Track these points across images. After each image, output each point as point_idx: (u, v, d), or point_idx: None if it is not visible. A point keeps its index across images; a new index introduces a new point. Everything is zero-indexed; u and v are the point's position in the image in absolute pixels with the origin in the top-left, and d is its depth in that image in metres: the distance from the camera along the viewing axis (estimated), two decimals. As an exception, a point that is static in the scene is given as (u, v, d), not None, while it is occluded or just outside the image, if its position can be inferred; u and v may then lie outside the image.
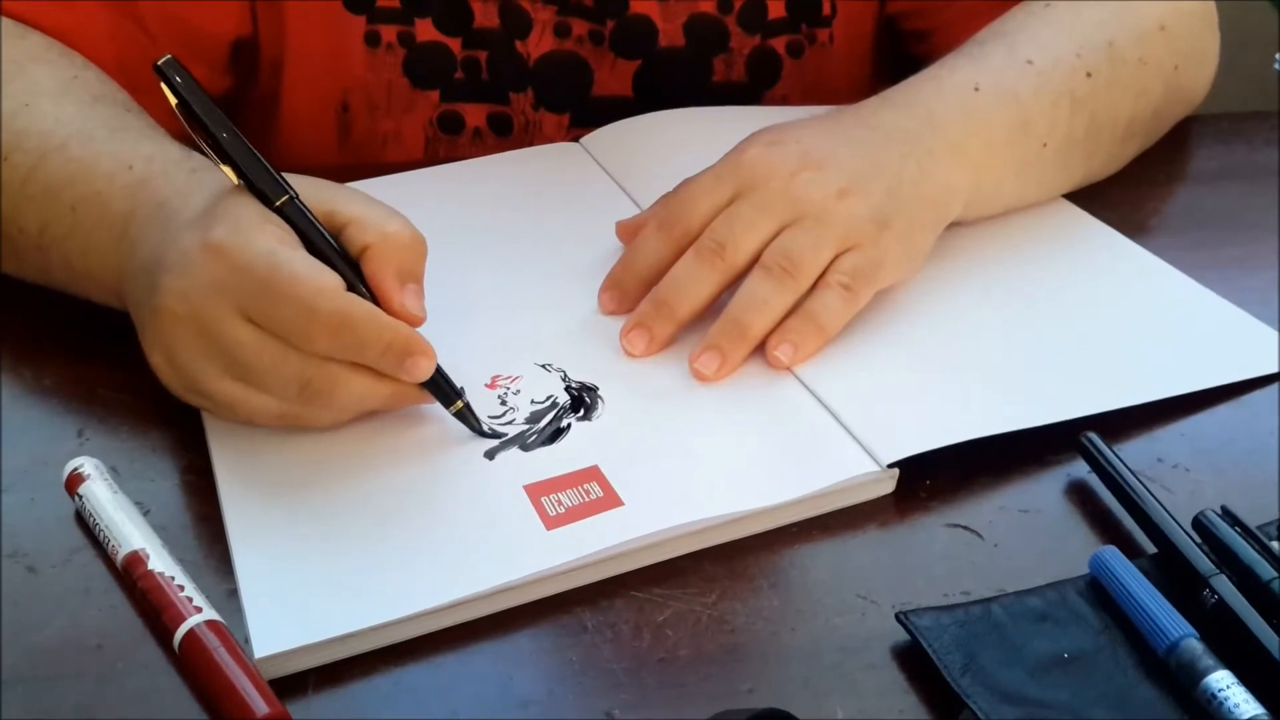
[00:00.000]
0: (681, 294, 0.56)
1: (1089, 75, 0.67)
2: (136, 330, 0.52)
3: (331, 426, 0.51)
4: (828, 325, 0.56)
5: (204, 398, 0.50)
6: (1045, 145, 0.65)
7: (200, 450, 0.52)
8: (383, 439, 0.51)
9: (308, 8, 0.75)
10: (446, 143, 0.79)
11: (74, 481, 0.48)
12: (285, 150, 0.79)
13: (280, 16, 0.75)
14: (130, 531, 0.45)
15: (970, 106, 0.63)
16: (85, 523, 0.48)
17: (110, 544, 0.46)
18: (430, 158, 0.79)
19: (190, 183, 0.53)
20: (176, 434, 0.53)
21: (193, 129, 0.50)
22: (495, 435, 0.51)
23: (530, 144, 0.79)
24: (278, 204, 0.50)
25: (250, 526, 0.47)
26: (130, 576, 0.44)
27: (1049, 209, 0.68)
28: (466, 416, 0.51)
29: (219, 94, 0.78)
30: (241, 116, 0.81)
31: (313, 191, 0.51)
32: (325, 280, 0.48)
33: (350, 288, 0.49)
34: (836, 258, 0.56)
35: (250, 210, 0.49)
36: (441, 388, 0.51)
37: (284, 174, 0.51)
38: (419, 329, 0.50)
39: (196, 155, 0.56)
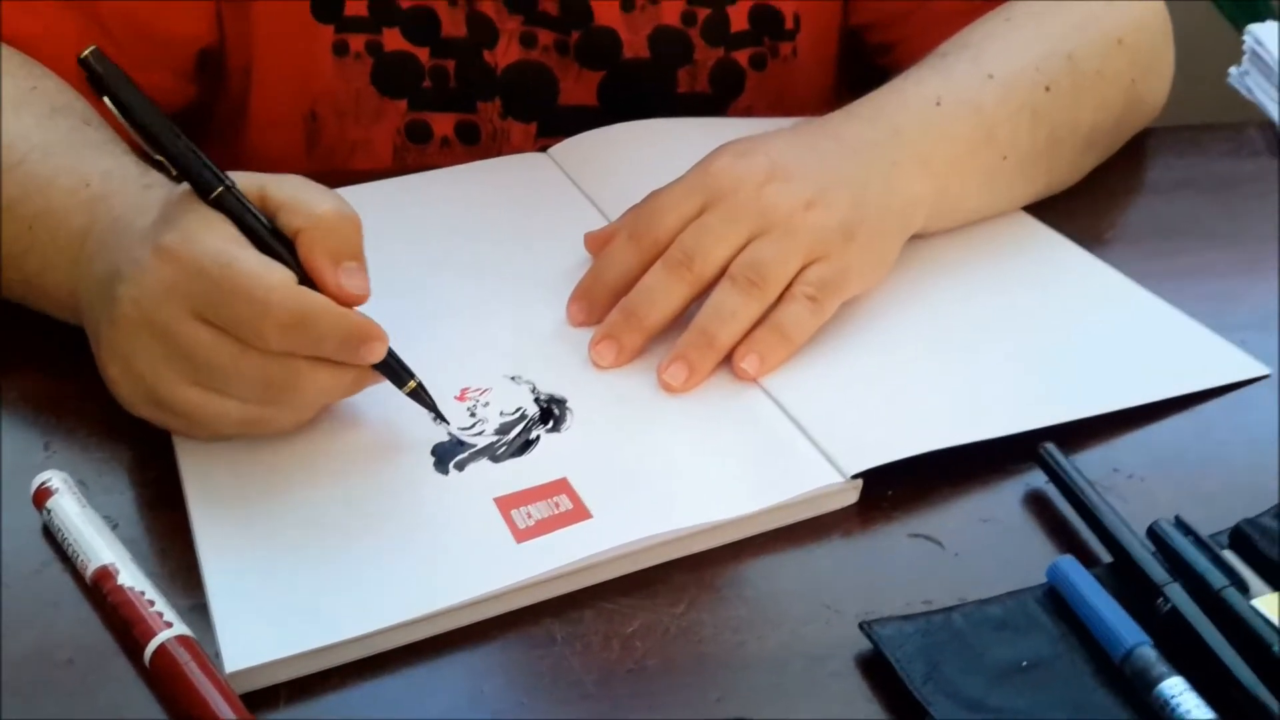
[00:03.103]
0: (650, 305, 0.57)
1: (1049, 89, 0.68)
2: (91, 346, 0.52)
3: (293, 428, 0.51)
4: (794, 336, 0.56)
5: (163, 409, 0.50)
6: (1006, 157, 0.67)
7: (168, 463, 0.52)
8: (353, 451, 0.52)
9: (275, 17, 0.75)
10: (415, 151, 0.79)
11: (42, 495, 0.48)
12: (253, 158, 0.79)
13: (248, 25, 0.75)
14: (99, 546, 0.46)
15: (933, 119, 0.64)
16: (53, 536, 0.48)
17: (79, 558, 0.46)
18: (399, 166, 0.79)
19: (145, 198, 0.53)
20: (144, 447, 0.53)
21: (127, 123, 0.49)
22: (448, 420, 0.52)
23: (498, 152, 0.79)
24: (215, 194, 0.49)
25: (220, 540, 0.47)
26: (100, 591, 0.45)
27: (1009, 222, 0.69)
28: (420, 396, 0.51)
29: (185, 103, 0.78)
30: (210, 125, 0.81)
31: (245, 180, 0.51)
32: (277, 276, 0.48)
33: (300, 279, 0.49)
34: (803, 269, 0.57)
35: (199, 213, 0.49)
36: (394, 369, 0.51)
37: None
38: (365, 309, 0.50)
39: (153, 171, 0.56)
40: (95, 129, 0.61)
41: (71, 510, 0.47)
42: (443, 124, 0.79)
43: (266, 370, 0.48)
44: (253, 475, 0.50)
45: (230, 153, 0.80)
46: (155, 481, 0.51)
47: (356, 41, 0.76)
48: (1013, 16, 0.72)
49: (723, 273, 0.57)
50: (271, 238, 0.49)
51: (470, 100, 0.78)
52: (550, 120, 0.80)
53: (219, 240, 0.48)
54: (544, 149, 0.79)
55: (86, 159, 0.57)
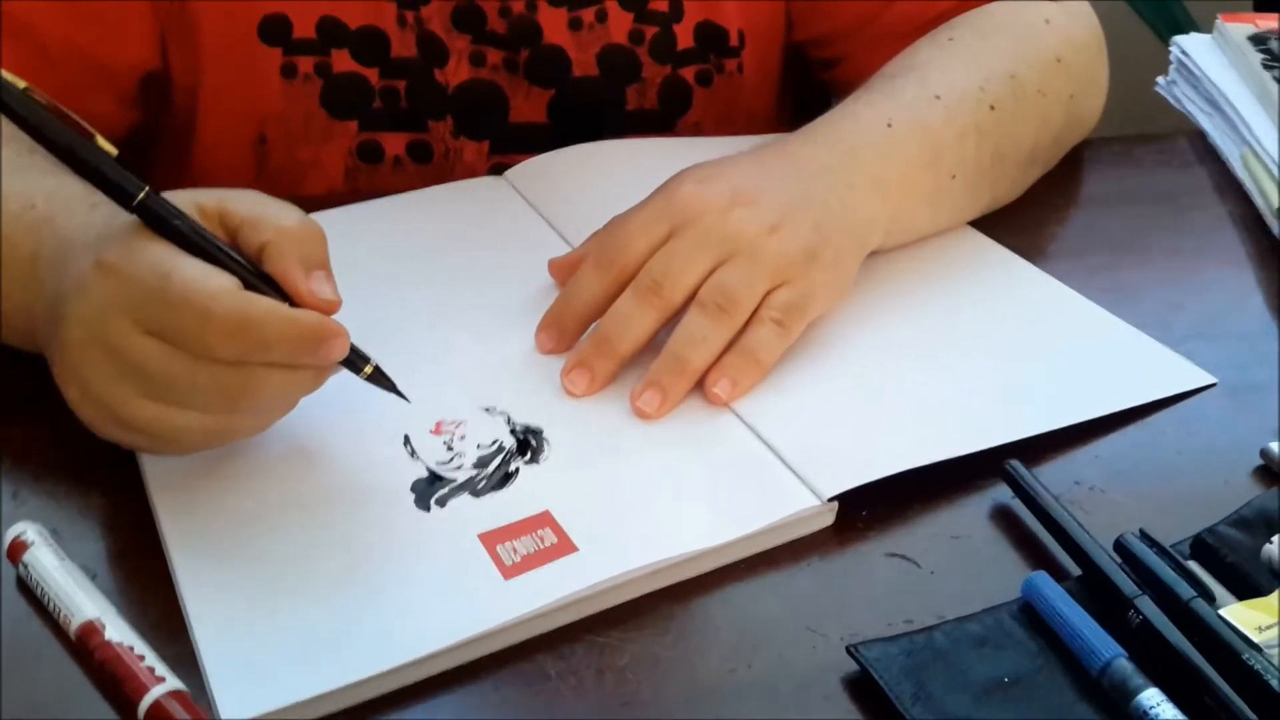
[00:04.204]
0: (622, 332, 0.57)
1: (993, 108, 0.70)
2: (51, 370, 0.51)
3: (257, 433, 0.50)
4: (764, 359, 0.57)
5: (125, 428, 0.49)
6: (954, 176, 0.68)
7: (142, 509, 0.51)
8: (332, 491, 0.51)
9: (222, 40, 0.74)
10: (366, 172, 0.79)
11: (16, 549, 0.47)
12: (202, 182, 0.77)
13: (194, 50, 0.74)
14: (82, 600, 0.45)
15: (885, 141, 0.66)
16: (28, 589, 0.47)
17: (61, 613, 0.45)
18: (350, 187, 0.79)
19: (90, 217, 0.52)
20: (116, 491, 0.52)
21: (36, 140, 0.48)
22: (408, 399, 0.53)
23: (451, 171, 0.79)
24: (137, 201, 0.47)
25: (204, 590, 0.47)
26: (86, 646, 0.44)
27: (964, 240, 0.70)
28: (380, 379, 0.52)
29: (129, 127, 0.77)
30: (156, 148, 0.80)
31: (203, 196, 0.50)
32: (217, 283, 0.47)
33: (247, 285, 0.48)
34: (769, 292, 0.58)
35: (139, 227, 0.48)
36: (353, 360, 0.51)
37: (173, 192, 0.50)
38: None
39: (98, 190, 0.55)
40: (42, 155, 0.60)
41: (49, 564, 0.46)
42: (394, 144, 0.78)
43: (221, 379, 0.47)
44: (231, 519, 0.50)
45: (179, 177, 0.79)
46: (130, 528, 0.51)
47: (305, 63, 0.75)
48: (956, 36, 0.74)
49: (691, 298, 0.58)
50: (212, 245, 0.48)
51: (422, 120, 0.78)
52: (502, 138, 0.80)
53: (159, 251, 0.47)
54: (496, 166, 0.79)
55: (32, 180, 0.57)
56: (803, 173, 0.63)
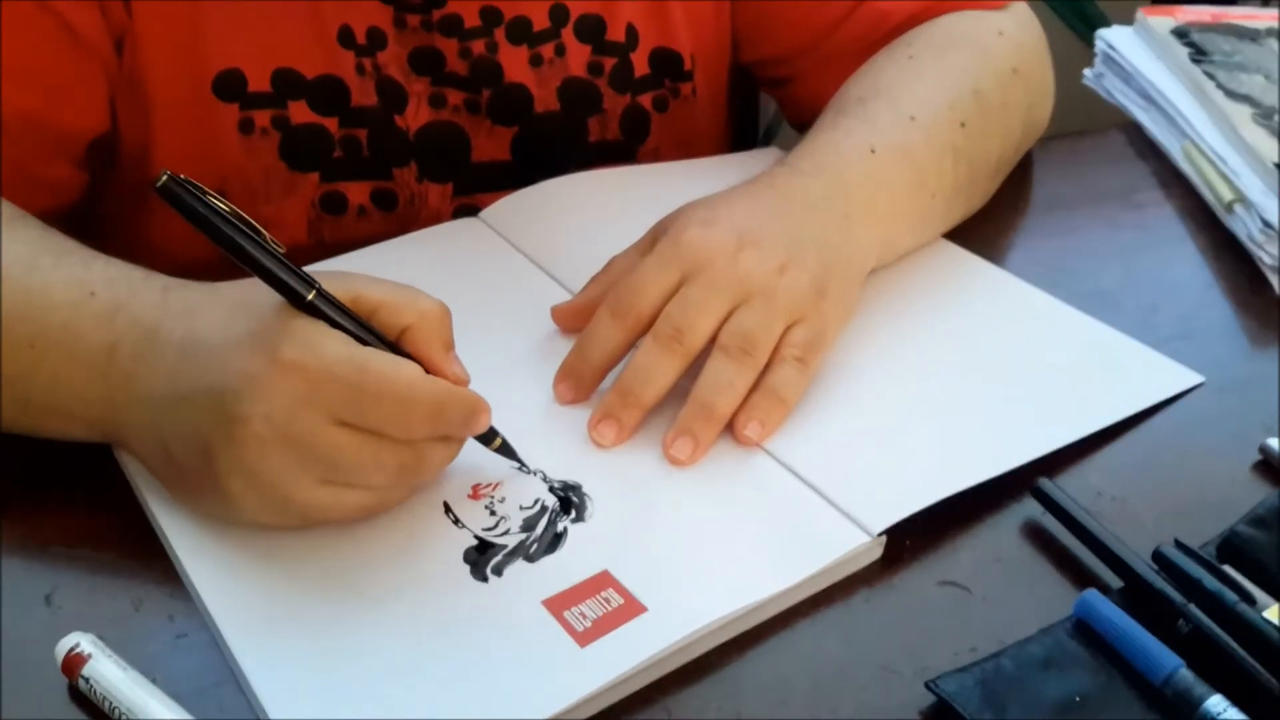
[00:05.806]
0: (646, 382, 0.58)
1: (963, 125, 0.72)
2: (152, 464, 0.53)
3: (404, 501, 0.53)
4: (789, 398, 0.58)
5: (289, 512, 0.50)
6: (935, 196, 0.70)
7: (186, 603, 0.50)
8: (385, 570, 0.51)
9: (175, 100, 0.71)
10: (330, 223, 0.77)
11: (73, 663, 0.45)
12: (160, 240, 0.75)
13: (145, 111, 0.71)
14: (158, 711, 0.43)
15: (871, 168, 0.67)
16: (90, 703, 0.45)
17: (138, 729, 0.44)
18: (315, 239, 0.77)
19: (169, 303, 0.53)
20: (154, 584, 0.51)
21: (212, 240, 0.50)
22: (531, 470, 0.56)
23: (416, 216, 0.78)
24: (308, 299, 0.50)
25: (278, 688, 0.45)
26: (171, 761, 0.43)
27: (946, 256, 0.72)
28: (507, 449, 0.55)
29: (81, 191, 0.74)
30: (112, 207, 0.77)
31: (332, 282, 0.51)
32: (411, 371, 0.50)
33: None
34: (786, 331, 0.59)
35: (304, 320, 0.50)
36: (486, 433, 0.55)
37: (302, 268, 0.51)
38: None
39: (153, 272, 0.55)
40: (56, 236, 0.59)
41: (114, 676, 0.45)
42: (358, 193, 0.77)
43: (400, 458, 0.50)
44: (289, 607, 0.49)
45: (136, 236, 0.76)
46: (177, 621, 0.49)
47: (262, 117, 0.73)
48: (915, 54, 0.75)
49: (710, 342, 0.58)
50: (371, 335, 0.51)
51: (385, 167, 0.77)
52: (465, 179, 0.79)
53: (340, 345, 0.49)
54: (461, 207, 0.78)
55: (78, 267, 0.55)
56: (797, 207, 0.64)
